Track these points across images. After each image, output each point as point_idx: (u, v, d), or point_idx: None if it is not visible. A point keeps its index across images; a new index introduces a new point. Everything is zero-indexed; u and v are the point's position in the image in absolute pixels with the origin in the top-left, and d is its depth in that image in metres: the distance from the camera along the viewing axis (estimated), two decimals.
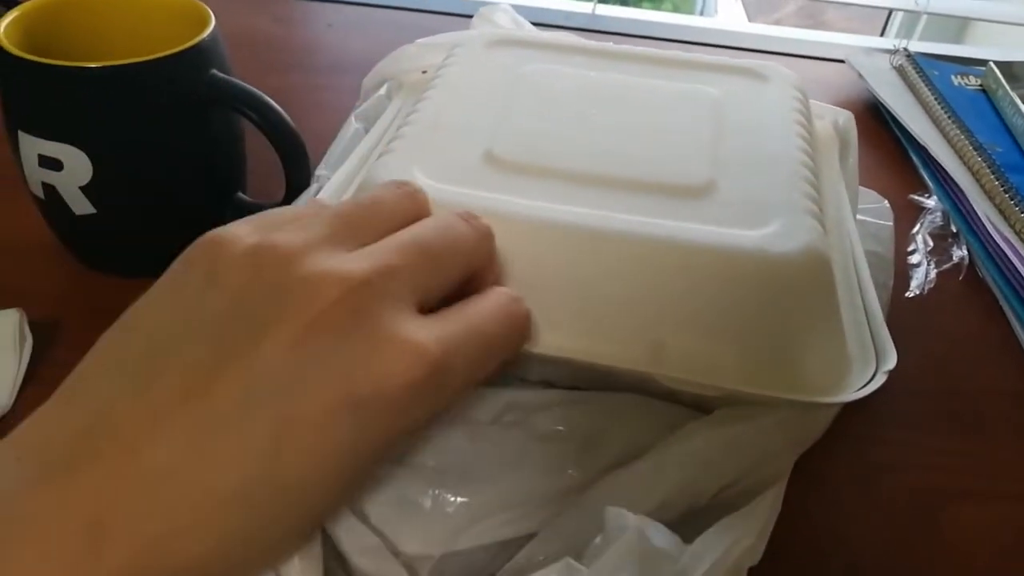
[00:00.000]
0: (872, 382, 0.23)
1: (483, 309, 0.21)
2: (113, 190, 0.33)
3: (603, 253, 0.24)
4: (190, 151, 0.34)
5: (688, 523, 0.22)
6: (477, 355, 0.20)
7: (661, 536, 0.20)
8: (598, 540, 0.20)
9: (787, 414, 0.23)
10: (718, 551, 0.20)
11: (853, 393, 0.23)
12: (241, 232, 0.20)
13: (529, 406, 0.24)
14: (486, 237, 0.23)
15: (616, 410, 0.24)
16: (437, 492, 0.22)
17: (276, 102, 0.33)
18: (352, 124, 0.40)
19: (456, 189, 0.26)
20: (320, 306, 0.18)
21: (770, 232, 0.24)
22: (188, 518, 0.16)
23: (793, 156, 0.28)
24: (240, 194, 0.37)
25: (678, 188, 0.26)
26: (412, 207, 0.23)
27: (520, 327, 0.22)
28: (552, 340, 0.23)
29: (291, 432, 0.17)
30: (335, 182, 0.30)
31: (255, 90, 0.33)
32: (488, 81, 0.32)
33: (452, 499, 0.22)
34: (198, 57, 0.32)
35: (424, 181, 0.26)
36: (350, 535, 0.22)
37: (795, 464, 0.24)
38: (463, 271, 0.22)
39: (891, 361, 0.24)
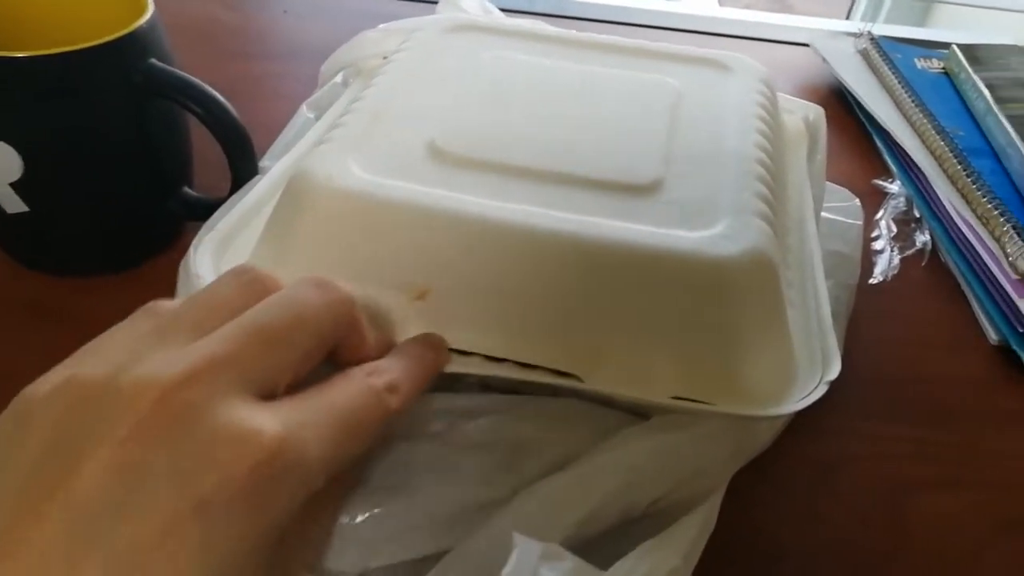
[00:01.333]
0: (812, 393, 0.23)
1: (338, 385, 0.19)
2: (47, 187, 0.31)
3: (539, 253, 0.23)
4: (128, 145, 0.32)
5: (621, 536, 0.21)
6: (331, 432, 0.18)
7: (575, 572, 0.19)
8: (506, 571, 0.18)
9: (725, 424, 0.22)
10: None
11: (789, 406, 0.23)
12: (49, 375, 0.18)
13: (459, 412, 0.23)
14: (341, 304, 0.20)
15: (551, 416, 0.23)
16: (354, 506, 0.21)
17: (229, 92, 0.32)
18: (303, 113, 0.38)
19: (391, 183, 0.25)
20: (136, 417, 0.16)
21: (713, 234, 0.24)
22: None
23: (749, 154, 0.28)
24: (186, 188, 0.36)
25: (624, 186, 0.26)
26: (252, 295, 0.20)
27: (382, 401, 0.20)
28: (485, 343, 0.23)
29: (128, 564, 0.15)
30: (275, 173, 0.28)
31: (196, 80, 0.31)
32: (441, 68, 0.31)
33: (369, 513, 0.21)
34: (135, 45, 0.31)
35: (358, 174, 0.25)
36: None
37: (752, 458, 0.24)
38: (315, 346, 0.19)
39: (834, 370, 0.23)
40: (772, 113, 0.31)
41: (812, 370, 0.24)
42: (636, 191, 0.25)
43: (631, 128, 0.28)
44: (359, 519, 0.21)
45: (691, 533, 0.21)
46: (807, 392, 0.23)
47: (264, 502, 0.16)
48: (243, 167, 0.32)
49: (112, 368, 0.17)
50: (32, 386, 0.18)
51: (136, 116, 0.32)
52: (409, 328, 0.23)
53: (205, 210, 0.35)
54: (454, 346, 0.23)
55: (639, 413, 0.23)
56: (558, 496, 0.21)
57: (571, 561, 0.19)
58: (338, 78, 0.37)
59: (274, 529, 0.17)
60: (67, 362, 0.18)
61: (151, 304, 0.20)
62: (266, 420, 0.17)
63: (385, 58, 0.35)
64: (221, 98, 0.31)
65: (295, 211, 0.25)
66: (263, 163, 0.31)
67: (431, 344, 0.23)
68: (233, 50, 0.55)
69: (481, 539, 0.21)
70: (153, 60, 0.31)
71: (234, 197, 0.28)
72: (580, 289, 0.23)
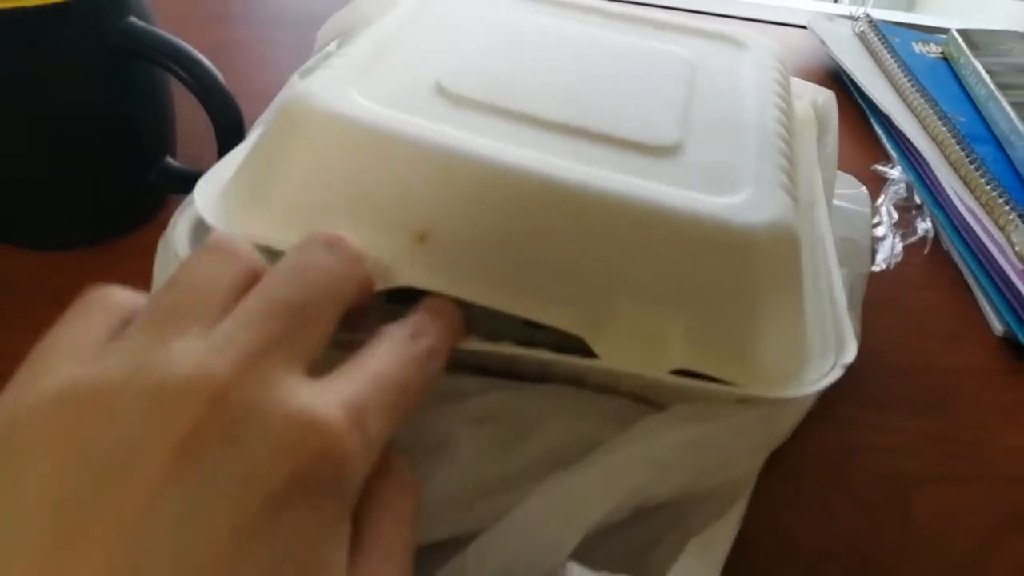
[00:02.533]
0: (827, 376, 0.22)
1: (383, 353, 0.18)
2: (16, 153, 0.29)
3: (551, 202, 0.21)
4: (104, 110, 0.30)
5: (636, 526, 0.20)
6: (387, 405, 0.17)
7: None
8: None
9: (750, 416, 0.21)
10: None
11: (805, 388, 0.22)
12: (22, 391, 0.15)
13: (459, 392, 0.22)
14: (358, 264, 0.19)
15: (552, 398, 0.22)
16: None
17: (212, 59, 0.30)
18: (295, 83, 0.36)
19: (396, 115, 0.23)
20: (193, 418, 0.14)
21: (738, 201, 0.23)
22: None
23: (769, 127, 0.26)
24: (168, 158, 0.34)
25: (642, 145, 0.24)
26: (238, 271, 0.18)
27: (425, 367, 0.19)
28: (486, 294, 0.21)
29: None
30: (245, 147, 0.26)
31: (178, 40, 0.29)
32: (449, 18, 0.29)
33: None
34: (111, 2, 0.28)
35: (361, 102, 0.23)
36: None
37: None
38: (339, 313, 0.18)
39: (850, 354, 0.23)
40: (787, 91, 0.30)
41: (824, 354, 0.23)
42: (654, 152, 0.24)
43: (647, 92, 0.27)
44: None
45: (723, 541, 0.20)
46: (820, 376, 0.22)
47: (337, 487, 0.16)
48: (229, 134, 0.30)
49: (127, 369, 0.15)
50: (10, 406, 0.15)
51: (113, 79, 0.30)
52: (406, 273, 0.21)
53: (188, 182, 0.33)
54: (454, 295, 0.21)
55: (639, 399, 0.22)
56: (581, 491, 0.20)
57: None
58: (331, 46, 0.35)
59: (347, 510, 0.16)
60: (31, 373, 0.16)
61: (98, 294, 0.17)
62: (327, 403, 0.16)
63: None
64: (206, 60, 0.30)
65: (288, 137, 0.23)
66: (251, 133, 0.29)
67: (457, 306, 0.21)
68: (216, 14, 0.53)
69: (509, 529, 0.19)
70: (132, 18, 0.29)
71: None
72: (592, 245, 0.21)
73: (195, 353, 0.15)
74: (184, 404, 0.14)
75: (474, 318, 0.21)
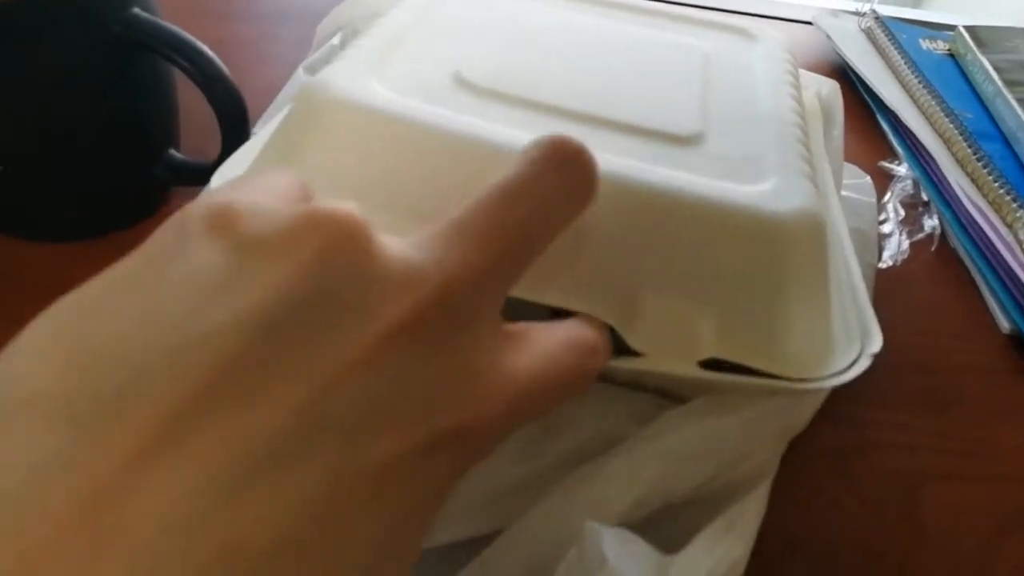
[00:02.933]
0: (856, 365, 0.22)
1: (562, 353, 0.17)
2: (20, 145, 0.29)
3: None
4: (108, 101, 0.30)
5: (666, 522, 0.20)
6: (538, 405, 0.16)
7: (642, 557, 0.18)
8: (572, 556, 0.18)
9: (772, 405, 0.21)
10: (705, 568, 0.18)
11: (835, 377, 0.22)
12: (266, 209, 0.14)
13: None
14: (592, 181, 0.17)
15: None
16: None
17: (217, 53, 0.30)
18: (300, 76, 0.36)
19: (416, 104, 0.22)
20: (411, 308, 0.13)
21: (763, 189, 0.22)
22: None
23: (786, 117, 0.26)
24: (172, 151, 0.34)
25: (665, 135, 0.24)
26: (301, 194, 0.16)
27: (584, 382, 0.18)
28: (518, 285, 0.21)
29: (353, 479, 0.12)
30: (261, 139, 0.26)
31: (182, 32, 0.29)
32: (461, 9, 0.29)
33: None
34: None
35: (380, 91, 0.23)
36: None
37: None
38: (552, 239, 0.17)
39: (876, 343, 0.22)
40: (798, 82, 0.30)
41: (847, 343, 0.23)
42: (677, 141, 0.24)
43: (665, 83, 0.27)
44: None
45: (749, 520, 0.20)
46: (843, 367, 0.22)
47: (477, 451, 0.15)
48: (234, 125, 0.30)
49: (359, 221, 0.14)
50: (230, 204, 0.13)
51: (117, 70, 0.29)
52: None
53: (192, 175, 0.33)
54: None
55: (665, 394, 0.22)
56: (604, 484, 0.20)
57: (639, 545, 0.18)
58: (335, 39, 0.35)
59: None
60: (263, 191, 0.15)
61: (221, 217, 0.14)
62: (508, 373, 0.15)
63: None
64: (210, 52, 0.29)
65: (307, 126, 0.22)
66: (255, 129, 0.29)
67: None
68: (219, 10, 0.52)
69: (534, 524, 0.19)
70: (136, 9, 0.29)
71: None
72: (620, 234, 0.21)
73: (419, 253, 0.14)
74: (407, 291, 0.13)
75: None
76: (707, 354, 0.21)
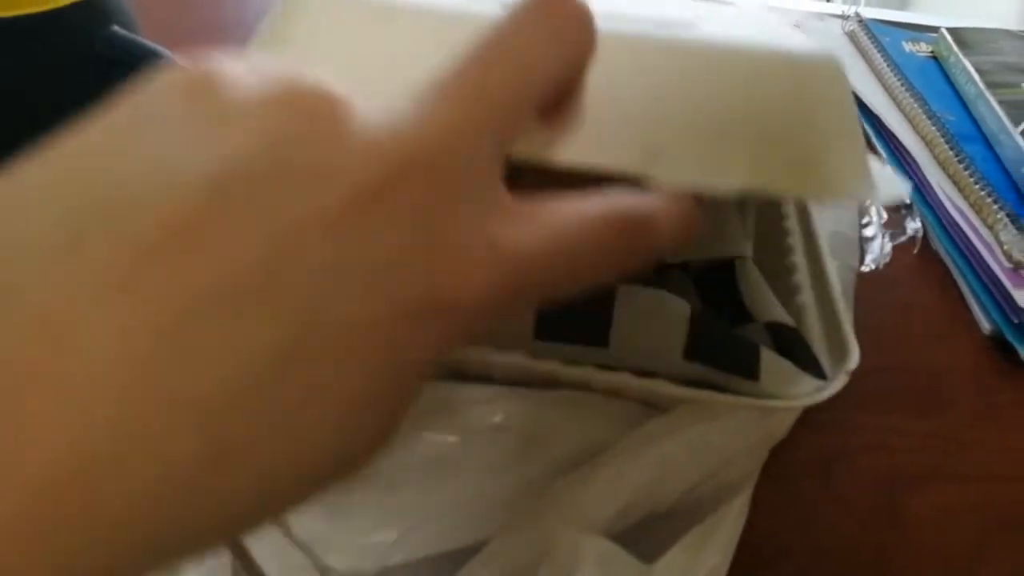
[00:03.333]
0: (833, 383, 0.22)
1: (583, 224, 0.15)
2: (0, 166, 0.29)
3: (605, 42, 0.19)
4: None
5: (652, 530, 0.20)
6: (558, 279, 0.15)
7: (619, 565, 0.18)
8: (548, 565, 0.18)
9: (752, 414, 0.21)
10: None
11: (809, 397, 0.22)
12: (235, 66, 0.13)
13: (469, 402, 0.22)
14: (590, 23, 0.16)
15: (561, 405, 0.22)
16: (368, 500, 0.20)
17: None
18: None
19: None
20: (377, 169, 0.13)
21: (787, 41, 0.22)
22: (137, 432, 0.11)
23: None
24: None
25: (672, 22, 0.23)
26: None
27: (627, 257, 0.16)
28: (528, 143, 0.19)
29: (315, 337, 0.12)
30: None
31: (160, 48, 0.29)
32: None
33: (384, 510, 0.20)
34: (94, 10, 0.28)
35: None
36: (271, 552, 0.19)
37: None
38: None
39: (854, 360, 0.23)
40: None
41: (826, 357, 0.23)
42: (684, 26, 0.24)
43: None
44: (374, 517, 0.20)
45: (728, 528, 0.20)
46: (824, 384, 0.22)
47: (470, 327, 0.14)
48: None
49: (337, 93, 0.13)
50: (209, 68, 0.13)
51: (99, 89, 0.30)
52: None
53: None
54: None
55: (650, 404, 0.22)
56: (591, 492, 0.20)
57: (614, 552, 0.18)
58: None
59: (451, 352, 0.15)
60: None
61: (204, 76, 0.13)
62: (508, 243, 0.14)
63: None
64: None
65: (295, 15, 0.22)
66: None
67: None
68: (207, 21, 0.53)
69: (516, 534, 0.19)
70: (116, 27, 0.29)
71: None
72: (641, 90, 0.20)
73: (401, 117, 0.14)
74: (390, 152, 0.13)
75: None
76: (740, 184, 0.19)
